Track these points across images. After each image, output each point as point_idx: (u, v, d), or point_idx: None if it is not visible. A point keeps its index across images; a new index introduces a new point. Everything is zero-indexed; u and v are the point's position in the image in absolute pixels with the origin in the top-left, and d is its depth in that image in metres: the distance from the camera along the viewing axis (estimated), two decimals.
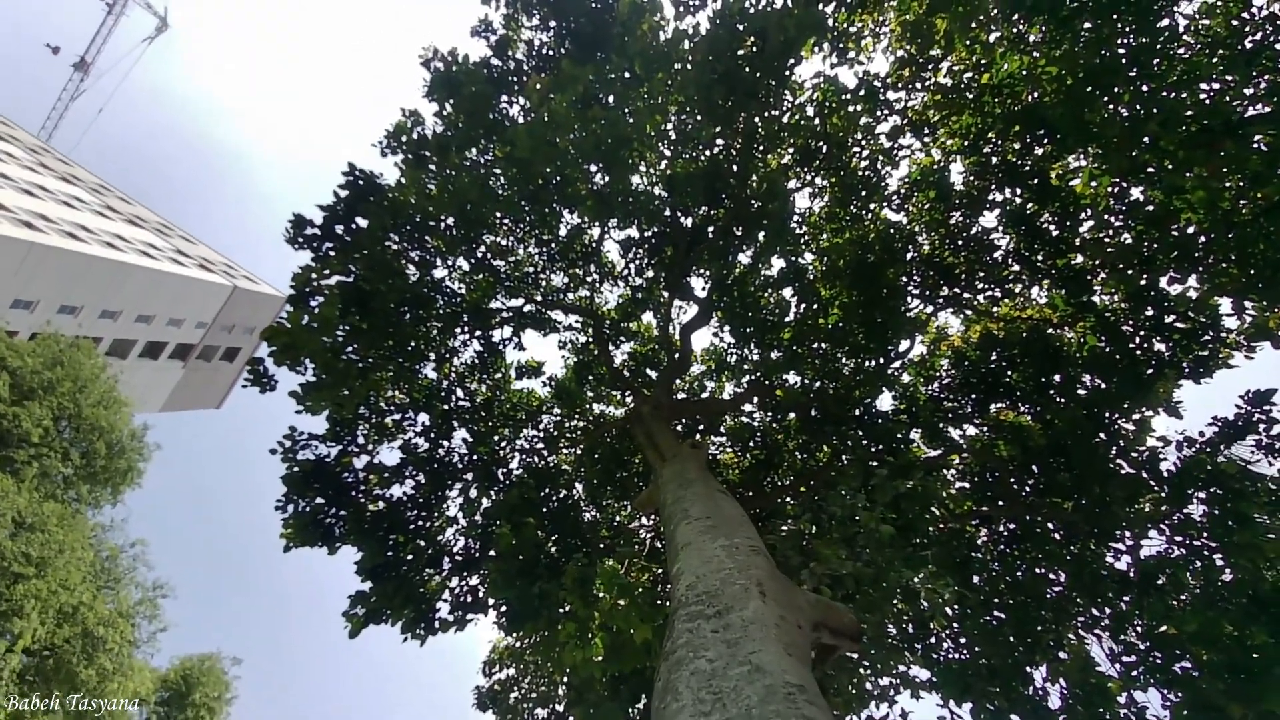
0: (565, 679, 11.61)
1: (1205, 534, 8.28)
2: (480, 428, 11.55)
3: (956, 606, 9.59)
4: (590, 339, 13.11)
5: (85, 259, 39.45)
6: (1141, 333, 9.85)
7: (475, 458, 11.29)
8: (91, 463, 21.73)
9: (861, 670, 8.67)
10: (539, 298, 12.63)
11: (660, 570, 11.12)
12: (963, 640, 9.45)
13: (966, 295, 11.64)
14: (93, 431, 21.67)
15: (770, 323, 12.56)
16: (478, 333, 12.10)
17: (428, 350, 11.39)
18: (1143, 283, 9.69)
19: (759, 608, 2.94)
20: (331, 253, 9.68)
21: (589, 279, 13.19)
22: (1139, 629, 8.08)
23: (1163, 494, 8.87)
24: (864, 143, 11.25)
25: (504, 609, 9.70)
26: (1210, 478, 8.31)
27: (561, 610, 9.21)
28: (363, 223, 9.94)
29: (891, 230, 11.56)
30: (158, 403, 51.33)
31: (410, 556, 10.29)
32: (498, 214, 10.99)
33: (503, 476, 11.50)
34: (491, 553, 10.49)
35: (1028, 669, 8.32)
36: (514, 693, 12.88)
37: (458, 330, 11.86)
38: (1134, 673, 7.90)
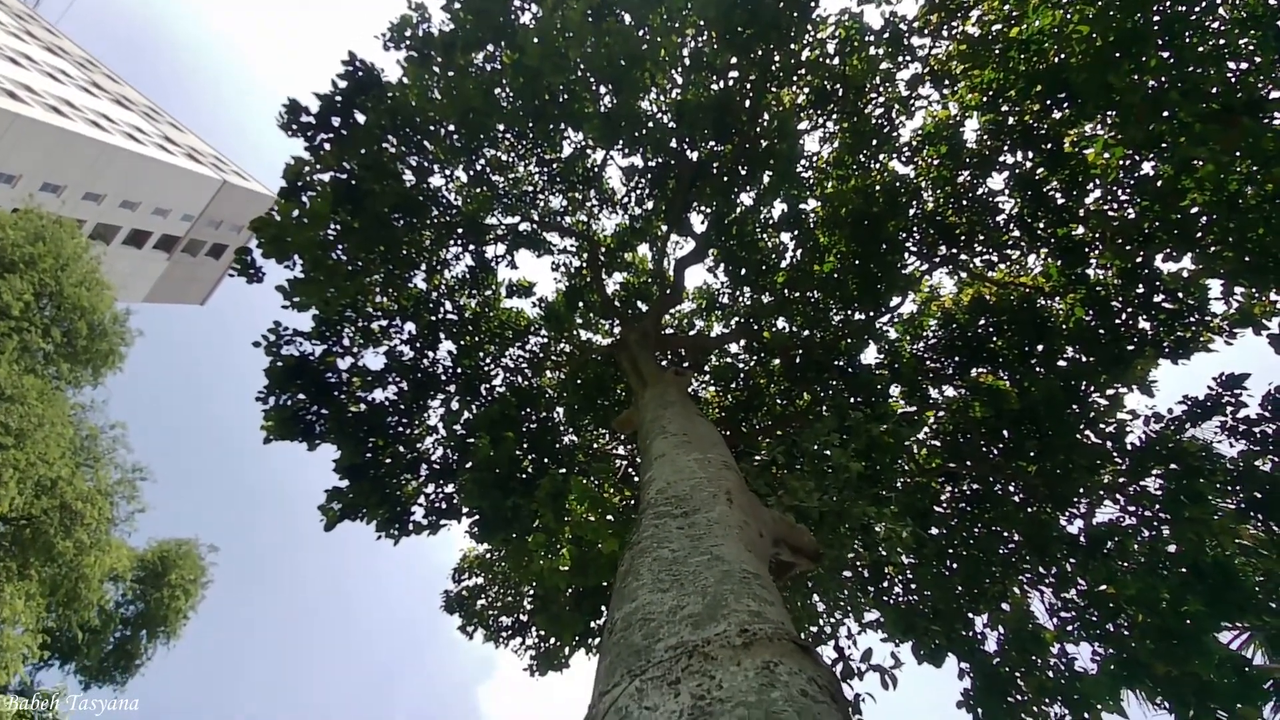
0: (531, 589, 12.05)
1: (1158, 506, 8.61)
2: (466, 341, 11.57)
3: (912, 556, 9.98)
4: (584, 264, 13.01)
5: (70, 136, 38.07)
6: (1129, 310, 9.95)
7: (459, 371, 11.34)
8: (72, 342, 21.50)
9: (815, 597, 9.07)
10: (536, 217, 12.45)
11: (632, 496, 11.41)
12: (913, 586, 9.88)
13: (964, 257, 11.63)
14: (74, 311, 21.35)
15: (765, 266, 12.51)
16: (471, 247, 11.96)
17: (419, 259, 11.27)
18: (1138, 260, 9.73)
19: (724, 511, 3.06)
20: (325, 145, 9.42)
21: (588, 204, 13.00)
22: (1080, 588, 8.48)
23: (1123, 466, 9.16)
24: (882, 89, 10.97)
25: (476, 517, 9.95)
26: (1171, 454, 8.58)
27: (533, 525, 9.48)
28: (360, 118, 9.64)
29: (898, 183, 11.42)
30: (140, 293, 50.62)
31: (389, 460, 10.46)
32: (500, 126, 10.70)
33: (485, 392, 11.59)
34: (469, 465, 10.68)
35: (970, 615, 8.76)
36: (481, 599, 13.38)
37: (451, 242, 11.71)
38: (1069, 627, 8.34)
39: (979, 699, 7.85)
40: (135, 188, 44.11)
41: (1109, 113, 9.08)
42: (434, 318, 11.43)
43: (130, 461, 23.79)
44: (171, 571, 24.08)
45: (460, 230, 11.52)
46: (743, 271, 12.60)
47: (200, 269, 55.27)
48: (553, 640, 11.57)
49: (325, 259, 9.22)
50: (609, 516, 6.45)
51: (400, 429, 10.65)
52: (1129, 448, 9.14)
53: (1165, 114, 7.87)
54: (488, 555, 13.26)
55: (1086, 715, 7.23)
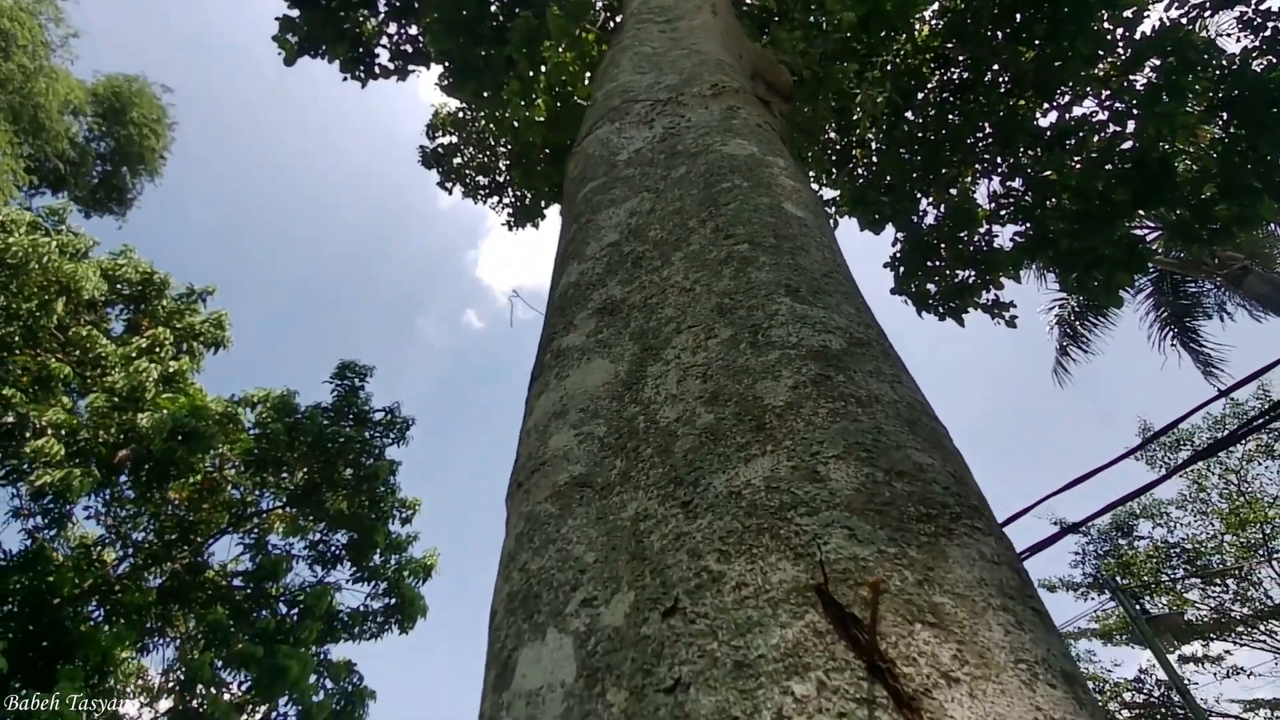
0: (506, 148, 12.28)
1: (1135, 102, 8.62)
2: None
3: (882, 141, 10.19)
4: None
5: None
6: None
7: None
8: None
9: None
10: None
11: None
12: (875, 168, 10.34)
13: None
14: None
15: None
16: None
17: None
18: None
19: (708, 20, 3.01)
20: None
21: None
22: (1027, 175, 9.03)
23: (1124, 56, 8.84)
24: None
25: (447, 65, 9.49)
26: (1174, 47, 8.22)
27: (507, 76, 9.11)
28: None
29: None
30: None
31: None
32: None
33: None
34: (431, 3, 9.67)
35: (917, 194, 9.44)
36: (457, 158, 13.67)
37: None
38: (1001, 212, 9.15)
39: (904, 260, 9.04)
40: None
41: None
42: None
43: None
44: (131, 110, 23.07)
45: None
46: None
47: None
48: (529, 197, 12.29)
49: None
50: (587, 59, 6.24)
51: None
52: (1138, 37, 8.67)
53: None
54: (460, 114, 13.06)
55: (989, 278, 8.50)
